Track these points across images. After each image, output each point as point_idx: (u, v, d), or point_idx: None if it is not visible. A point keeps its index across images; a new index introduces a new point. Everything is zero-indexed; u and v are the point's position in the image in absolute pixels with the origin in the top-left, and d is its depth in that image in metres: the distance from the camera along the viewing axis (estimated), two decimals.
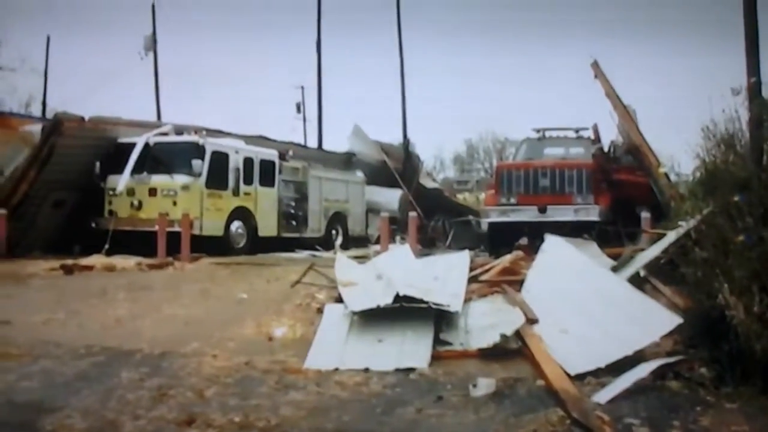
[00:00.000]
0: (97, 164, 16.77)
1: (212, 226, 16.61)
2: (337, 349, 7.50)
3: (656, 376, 6.22)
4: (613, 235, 13.21)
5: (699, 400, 5.77)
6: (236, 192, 17.41)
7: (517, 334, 7.43)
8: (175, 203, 16.08)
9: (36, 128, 17.50)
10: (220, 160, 17.01)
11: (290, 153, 20.38)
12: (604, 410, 5.55)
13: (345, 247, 20.40)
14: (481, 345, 7.38)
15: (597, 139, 17.42)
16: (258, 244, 17.68)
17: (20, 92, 53.93)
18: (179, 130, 17.75)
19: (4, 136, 17.52)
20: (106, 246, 15.49)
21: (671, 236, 9.00)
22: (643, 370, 6.25)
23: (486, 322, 7.92)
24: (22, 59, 47.29)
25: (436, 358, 7.18)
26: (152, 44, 34.28)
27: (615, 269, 9.54)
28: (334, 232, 21.46)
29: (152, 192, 16.45)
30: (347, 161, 25.32)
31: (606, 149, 17.42)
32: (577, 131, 17.48)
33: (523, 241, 15.89)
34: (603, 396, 5.90)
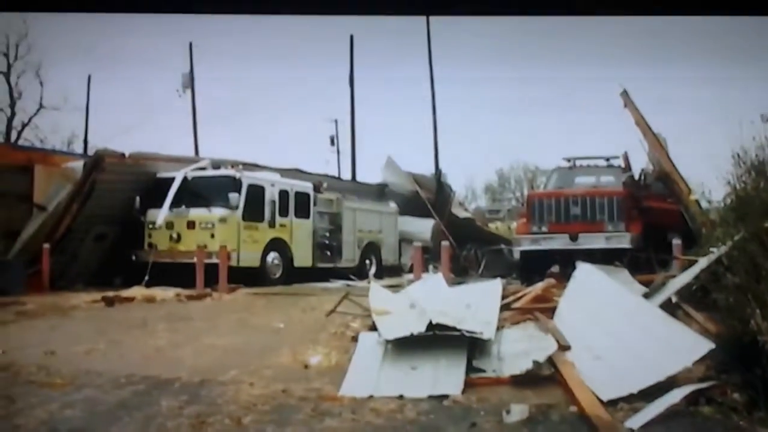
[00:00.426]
0: (137, 198, 17.09)
1: (249, 257, 16.83)
2: (371, 376, 7.59)
3: (689, 402, 6.21)
4: (644, 262, 13.18)
5: (732, 425, 5.76)
6: (272, 224, 17.63)
7: (550, 361, 7.47)
8: (212, 235, 16.32)
9: (78, 165, 17.87)
10: (256, 193, 17.26)
11: (324, 185, 20.57)
12: None
13: (379, 276, 20.49)
14: (513, 372, 7.42)
15: (627, 167, 17.38)
16: (293, 275, 17.83)
17: (62, 130, 55.02)
18: (216, 165, 18.05)
19: (47, 173, 17.93)
20: (146, 278, 15.75)
21: (703, 262, 8.99)
22: (676, 396, 6.25)
23: (519, 349, 7.97)
24: (64, 98, 48.20)
25: (469, 385, 7.22)
26: (190, 81, 34.94)
27: (647, 296, 9.53)
28: (367, 261, 21.55)
29: (190, 225, 16.71)
30: (380, 192, 25.48)
31: (636, 177, 17.37)
32: (607, 159, 17.46)
33: (555, 268, 15.85)
34: (636, 422, 5.92)
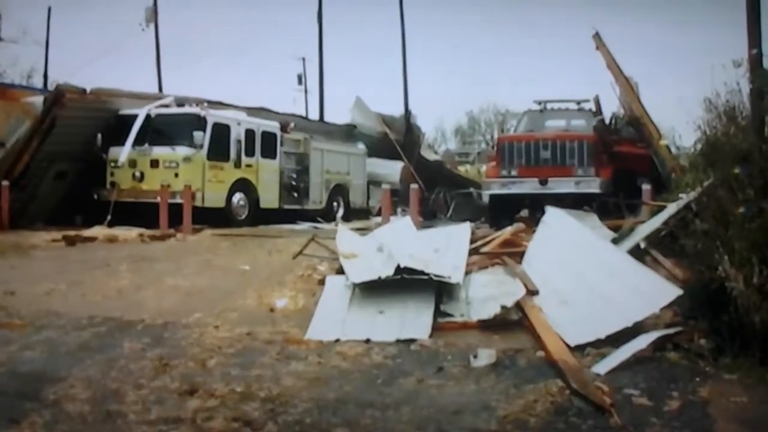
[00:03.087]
0: (99, 136, 16.75)
1: (214, 197, 16.64)
2: (338, 320, 7.52)
3: (655, 348, 6.24)
4: (613, 207, 13.23)
5: (698, 371, 5.79)
6: (238, 164, 17.41)
7: (518, 306, 7.45)
8: (176, 175, 16.08)
9: (38, 100, 17.46)
10: (221, 131, 16.99)
11: (292, 125, 20.33)
12: (603, 381, 5.58)
13: (346, 219, 20.41)
14: (481, 316, 7.40)
15: (598, 111, 17.37)
16: (259, 216, 17.72)
17: (22, 64, 53.48)
18: (181, 102, 17.71)
19: (6, 108, 17.47)
20: (108, 217, 15.55)
21: (672, 208, 8.99)
22: (643, 342, 6.27)
23: (486, 294, 7.94)
24: (23, 31, 46.85)
25: (436, 329, 7.20)
26: (153, 16, 33.99)
27: (615, 241, 9.55)
28: (335, 204, 21.47)
29: (154, 164, 16.46)
30: (349, 133, 25.24)
31: (607, 121, 17.36)
32: (578, 103, 17.43)
33: (524, 213, 15.91)
34: (602, 367, 5.93)
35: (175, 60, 75.21)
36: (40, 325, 7.69)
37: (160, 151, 16.48)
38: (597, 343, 6.46)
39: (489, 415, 5.07)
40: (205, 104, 17.33)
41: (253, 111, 19.56)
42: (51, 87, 24.20)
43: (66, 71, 58.70)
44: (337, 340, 6.99)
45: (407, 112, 29.45)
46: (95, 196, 16.69)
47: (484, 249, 9.95)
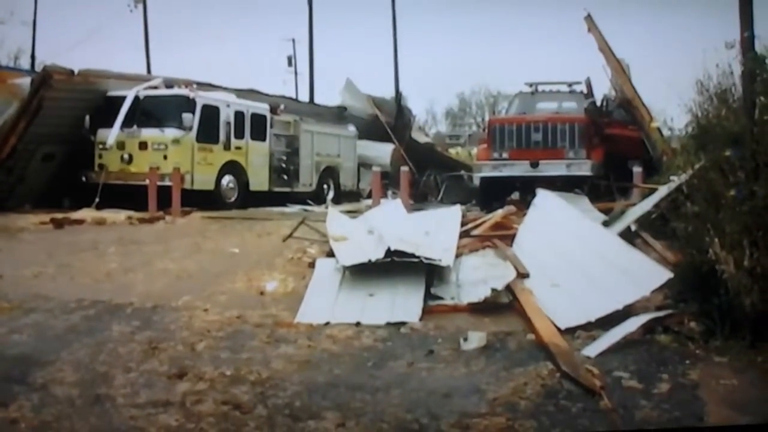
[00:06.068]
0: (87, 118, 16.59)
1: (203, 180, 16.52)
2: (328, 303, 7.51)
3: (646, 330, 6.25)
4: (604, 189, 13.23)
5: (688, 353, 5.80)
6: (227, 146, 17.28)
7: (508, 289, 7.46)
8: (165, 157, 15.95)
9: (25, 81, 17.22)
10: (210, 113, 16.83)
11: (282, 107, 20.19)
12: (593, 364, 5.60)
13: (337, 201, 20.35)
14: (472, 299, 7.40)
15: (590, 94, 17.33)
16: (249, 199, 17.61)
17: (9, 45, 52.92)
18: (169, 84, 17.53)
19: None
20: (97, 200, 15.43)
21: (663, 191, 9.01)
22: (633, 325, 6.28)
23: (477, 277, 7.95)
24: (10, 11, 46.43)
25: (427, 312, 7.20)
26: None
27: (606, 224, 9.55)
28: (325, 186, 21.38)
29: (143, 146, 16.30)
30: (339, 115, 25.08)
31: (599, 103, 17.33)
32: (570, 85, 17.38)
33: (515, 195, 15.91)
34: (592, 350, 5.94)
35: (164, 41, 74.66)
36: (28, 308, 7.64)
37: (148, 133, 16.32)
38: (587, 326, 6.48)
39: (479, 398, 5.08)
40: (194, 86, 17.16)
41: (242, 93, 19.39)
42: (38, 68, 23.91)
43: (54, 52, 58.28)
44: (327, 323, 6.99)
45: (398, 94, 29.31)
46: (83, 179, 16.54)
47: (475, 232, 9.95)
